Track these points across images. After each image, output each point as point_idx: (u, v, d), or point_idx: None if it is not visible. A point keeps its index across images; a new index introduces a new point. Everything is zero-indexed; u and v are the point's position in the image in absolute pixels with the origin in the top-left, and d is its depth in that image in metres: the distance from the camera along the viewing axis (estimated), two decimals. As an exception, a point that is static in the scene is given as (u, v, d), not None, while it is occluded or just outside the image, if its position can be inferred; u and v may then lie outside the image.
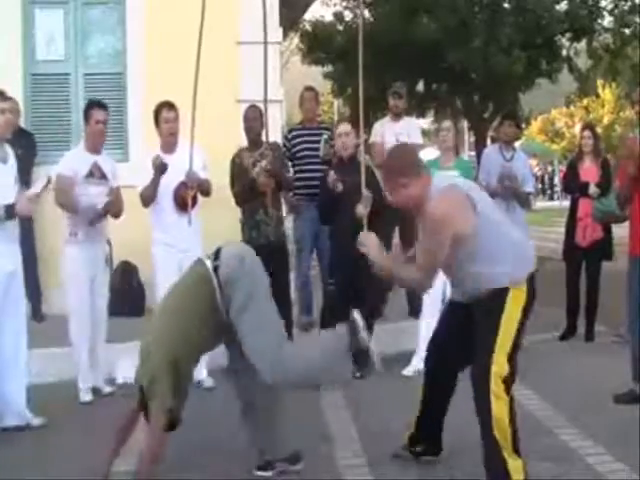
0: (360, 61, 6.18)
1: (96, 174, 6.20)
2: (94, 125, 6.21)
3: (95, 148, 6.27)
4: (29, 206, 5.39)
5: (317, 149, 7.37)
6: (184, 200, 6.34)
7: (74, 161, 6.22)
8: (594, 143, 7.87)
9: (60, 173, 6.14)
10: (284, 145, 7.54)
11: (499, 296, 4.13)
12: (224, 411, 5.79)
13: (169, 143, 6.48)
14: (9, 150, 5.49)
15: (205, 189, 6.49)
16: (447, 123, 7.07)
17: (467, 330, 4.24)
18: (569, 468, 4.57)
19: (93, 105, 6.34)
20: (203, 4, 6.19)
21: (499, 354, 4.05)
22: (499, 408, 4.03)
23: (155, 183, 6.31)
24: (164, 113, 6.44)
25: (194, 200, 6.41)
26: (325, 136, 7.27)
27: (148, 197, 6.37)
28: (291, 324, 6.75)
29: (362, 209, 6.24)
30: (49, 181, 5.68)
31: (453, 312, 4.52)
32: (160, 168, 6.25)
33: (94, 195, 6.15)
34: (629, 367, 5.87)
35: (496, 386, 4.03)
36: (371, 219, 6.25)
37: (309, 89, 7.97)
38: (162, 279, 6.43)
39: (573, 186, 8.00)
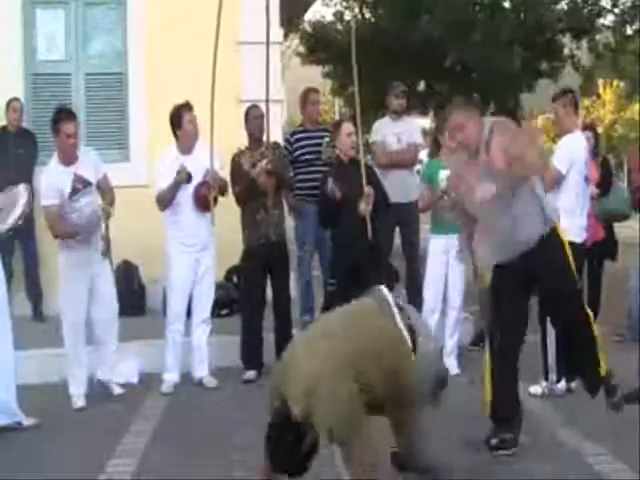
0: (353, 62, 6.20)
1: (79, 187, 5.92)
2: (65, 140, 5.86)
3: (70, 160, 5.96)
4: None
5: (319, 152, 7.36)
6: (207, 199, 6.31)
7: (55, 183, 5.87)
8: (594, 143, 7.85)
9: (45, 205, 5.88)
10: (285, 148, 7.50)
11: None
12: (225, 410, 5.81)
13: (191, 144, 6.42)
14: None
15: (224, 188, 6.50)
16: None
17: None
18: (569, 467, 4.57)
19: (62, 117, 5.92)
20: (220, 4, 6.15)
21: None
22: None
23: (175, 189, 6.25)
24: (187, 115, 6.34)
25: (215, 199, 6.40)
26: (327, 139, 7.26)
27: (166, 201, 6.31)
28: (291, 324, 6.75)
29: (364, 206, 6.24)
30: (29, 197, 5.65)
31: None
32: (186, 179, 6.21)
33: (84, 205, 5.93)
34: (630, 367, 5.85)
35: None
36: (372, 218, 6.27)
37: (312, 90, 7.89)
38: (176, 278, 6.43)
39: None
